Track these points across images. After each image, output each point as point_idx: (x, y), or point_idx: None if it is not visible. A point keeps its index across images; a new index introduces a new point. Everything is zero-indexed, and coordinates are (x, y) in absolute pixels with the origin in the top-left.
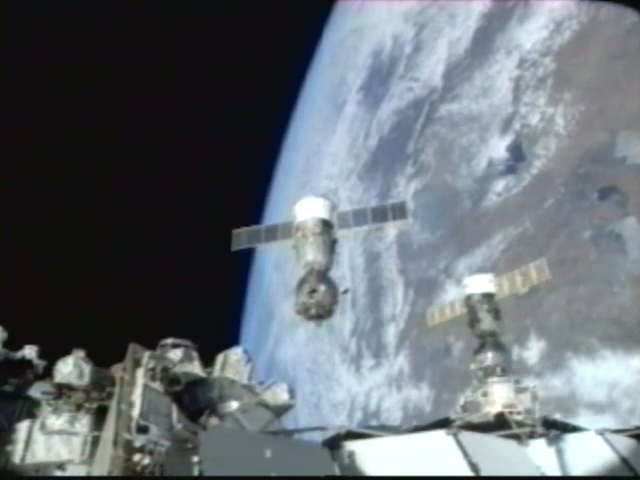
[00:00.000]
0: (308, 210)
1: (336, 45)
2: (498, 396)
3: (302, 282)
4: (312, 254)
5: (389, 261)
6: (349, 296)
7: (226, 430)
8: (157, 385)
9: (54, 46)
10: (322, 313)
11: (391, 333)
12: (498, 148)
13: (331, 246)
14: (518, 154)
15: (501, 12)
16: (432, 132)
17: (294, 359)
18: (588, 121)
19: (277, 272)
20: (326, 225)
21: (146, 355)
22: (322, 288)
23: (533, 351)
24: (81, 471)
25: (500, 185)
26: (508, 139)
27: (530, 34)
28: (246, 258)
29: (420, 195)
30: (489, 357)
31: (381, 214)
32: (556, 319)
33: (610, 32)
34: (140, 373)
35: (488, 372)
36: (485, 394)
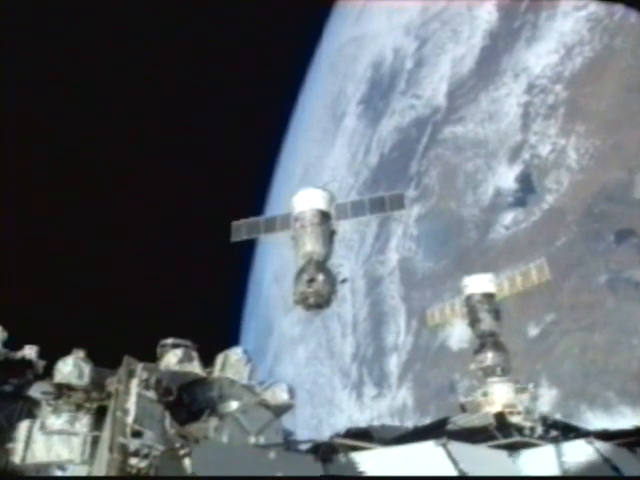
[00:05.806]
0: (306, 201)
1: (335, 52)
2: (498, 396)
3: (301, 272)
4: (311, 244)
5: (391, 287)
6: (350, 319)
7: (217, 444)
8: (151, 394)
9: (54, 45)
10: (320, 302)
11: (393, 363)
12: (506, 177)
13: (330, 237)
14: (527, 186)
15: (507, 32)
16: (436, 154)
17: (294, 378)
18: (603, 156)
19: (276, 285)
20: (324, 216)
21: (140, 367)
22: (320, 277)
23: (545, 398)
24: (81, 471)
25: (508, 218)
26: (517, 169)
27: (539, 57)
28: (247, 258)
29: (423, 220)
30: (489, 357)
31: (379, 205)
32: (569, 367)
33: (626, 62)
34: (134, 383)
35: (488, 372)
36: (485, 394)
